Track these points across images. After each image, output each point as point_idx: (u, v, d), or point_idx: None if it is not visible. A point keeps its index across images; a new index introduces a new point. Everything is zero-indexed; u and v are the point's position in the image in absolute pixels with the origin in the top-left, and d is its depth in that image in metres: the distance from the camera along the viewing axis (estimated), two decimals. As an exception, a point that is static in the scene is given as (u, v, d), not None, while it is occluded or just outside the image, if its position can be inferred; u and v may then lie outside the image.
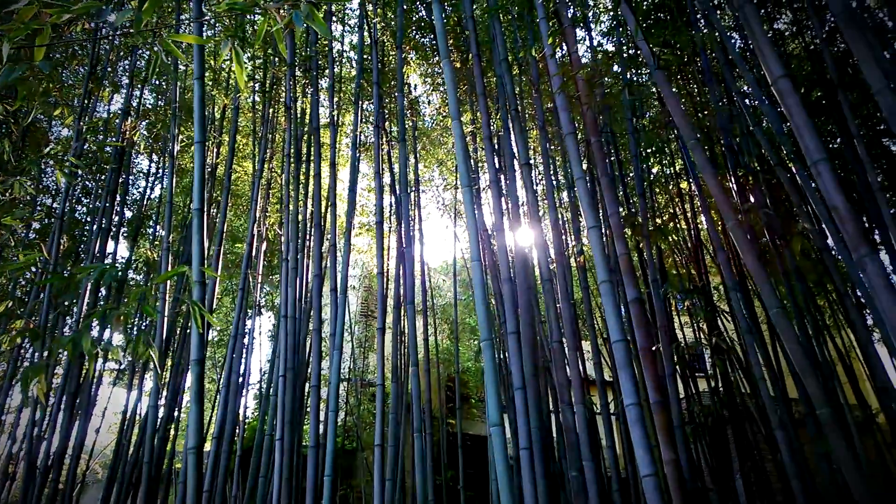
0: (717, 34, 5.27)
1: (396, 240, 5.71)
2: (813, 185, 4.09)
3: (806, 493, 5.36)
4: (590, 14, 5.61)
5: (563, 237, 6.07)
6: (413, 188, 6.83)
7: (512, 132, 4.52)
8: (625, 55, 5.67)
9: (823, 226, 4.69)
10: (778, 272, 5.10)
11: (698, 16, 5.72)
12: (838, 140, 6.20)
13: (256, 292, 6.33)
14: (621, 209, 6.04)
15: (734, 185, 5.27)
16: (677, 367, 5.80)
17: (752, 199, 5.23)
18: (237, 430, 5.55)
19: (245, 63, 6.35)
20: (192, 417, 3.20)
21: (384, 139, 5.91)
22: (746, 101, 5.81)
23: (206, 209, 7.13)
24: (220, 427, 4.70)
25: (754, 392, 5.70)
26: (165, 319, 5.10)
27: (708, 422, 5.83)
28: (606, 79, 6.03)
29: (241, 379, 5.73)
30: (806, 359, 2.94)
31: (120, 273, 5.98)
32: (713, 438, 6.25)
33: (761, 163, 5.36)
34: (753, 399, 5.85)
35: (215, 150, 6.93)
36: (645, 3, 5.50)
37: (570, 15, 4.76)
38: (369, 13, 5.71)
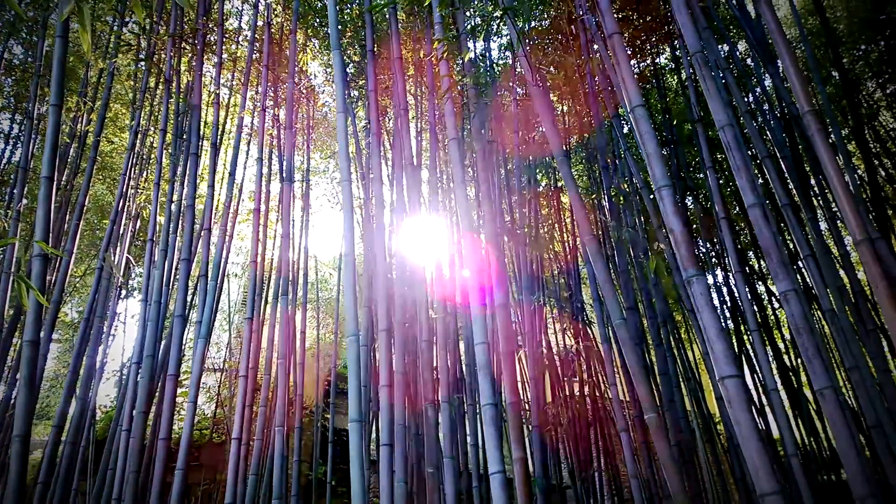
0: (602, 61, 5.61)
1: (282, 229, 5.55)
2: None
3: (648, 490, 5.84)
4: (492, 27, 5.78)
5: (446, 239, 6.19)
6: (304, 177, 6.69)
7: (400, 132, 4.56)
8: (518, 70, 5.89)
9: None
10: (639, 286, 5.52)
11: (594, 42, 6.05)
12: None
13: (119, 273, 5.92)
14: (507, 218, 6.28)
15: (607, 204, 5.64)
16: (546, 370, 6.11)
17: (621, 218, 5.62)
18: (86, 420, 5.16)
19: (125, 28, 5.93)
20: (20, 404, 2.95)
21: (274, 125, 5.74)
22: (626, 125, 6.24)
23: (70, 180, 6.56)
24: (62, 415, 4.35)
25: (613, 396, 6.13)
26: (7, 296, 4.64)
27: (564, 423, 6.18)
28: (503, 91, 6.24)
29: (96, 364, 5.33)
30: (640, 367, 3.20)
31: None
32: (577, 439, 6.63)
33: (632, 185, 5.76)
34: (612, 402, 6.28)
35: (85, 116, 6.39)
36: (539, 25, 5.76)
37: (468, 26, 4.88)
38: (264, -7, 5.54)
